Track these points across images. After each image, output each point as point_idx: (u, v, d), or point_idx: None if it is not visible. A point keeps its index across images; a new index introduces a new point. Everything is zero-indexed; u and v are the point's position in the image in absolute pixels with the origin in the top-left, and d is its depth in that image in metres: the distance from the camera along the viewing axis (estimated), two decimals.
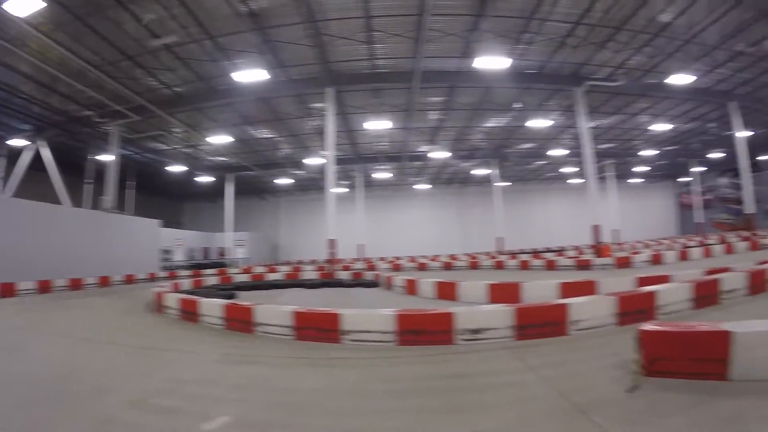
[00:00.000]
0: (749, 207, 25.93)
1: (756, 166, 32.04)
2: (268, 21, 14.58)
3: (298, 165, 32.18)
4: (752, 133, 27.86)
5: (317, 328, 5.96)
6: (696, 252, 17.63)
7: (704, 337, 3.67)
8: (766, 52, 18.85)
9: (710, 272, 7.86)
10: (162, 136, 25.38)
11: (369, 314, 5.90)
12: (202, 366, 5.17)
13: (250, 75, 16.61)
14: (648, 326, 3.88)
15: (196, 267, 28.68)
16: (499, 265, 20.24)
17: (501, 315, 5.45)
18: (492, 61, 16.46)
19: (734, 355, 3.47)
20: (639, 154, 35.63)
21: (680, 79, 19.57)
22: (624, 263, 16.25)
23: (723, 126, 27.29)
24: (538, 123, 25.28)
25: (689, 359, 3.61)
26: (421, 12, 13.76)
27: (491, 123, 27.04)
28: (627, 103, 24.71)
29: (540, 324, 5.42)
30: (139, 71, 17.41)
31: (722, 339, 3.52)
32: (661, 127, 28.56)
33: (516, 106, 23.29)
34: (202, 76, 18.46)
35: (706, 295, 6.59)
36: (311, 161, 30.09)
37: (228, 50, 16.09)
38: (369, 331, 5.62)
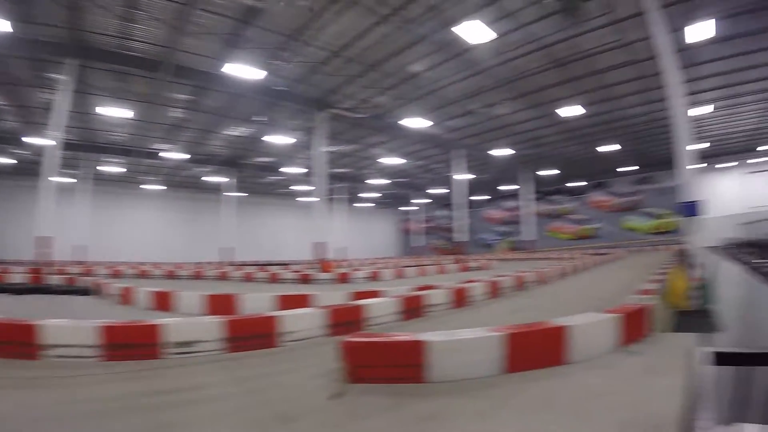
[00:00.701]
0: (461, 236, 32.47)
1: (472, 204, 39.87)
2: None
3: (20, 143, 25.32)
4: (473, 176, 34.54)
5: (14, 342, 5.07)
6: (411, 271, 20.04)
7: (403, 346, 4.06)
8: (493, 115, 23.64)
9: (420, 288, 8.87)
10: None
11: (71, 326, 5.18)
12: None
13: None
14: (351, 337, 4.14)
15: None
16: (224, 276, 19.56)
17: (212, 327, 5.20)
18: (246, 70, 16.13)
19: (429, 360, 3.91)
20: (370, 181, 39.91)
21: (416, 122, 22.54)
22: (345, 279, 17.11)
23: (448, 167, 32.39)
24: (279, 139, 25.61)
25: (390, 366, 3.94)
26: (188, 3, 12.91)
27: (233, 131, 26.34)
28: (365, 134, 27.30)
29: (252, 336, 5.33)
30: None
31: (418, 348, 3.93)
32: (393, 160, 32.50)
33: (260, 118, 23.24)
34: None
35: (413, 308, 7.36)
36: (35, 141, 23.54)
37: None
38: (71, 346, 4.96)
